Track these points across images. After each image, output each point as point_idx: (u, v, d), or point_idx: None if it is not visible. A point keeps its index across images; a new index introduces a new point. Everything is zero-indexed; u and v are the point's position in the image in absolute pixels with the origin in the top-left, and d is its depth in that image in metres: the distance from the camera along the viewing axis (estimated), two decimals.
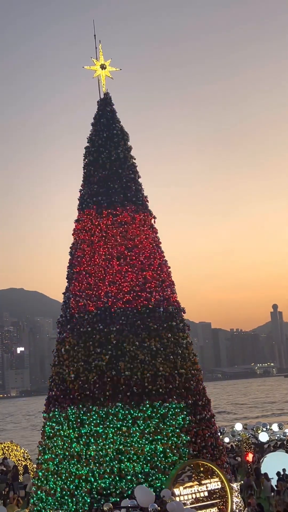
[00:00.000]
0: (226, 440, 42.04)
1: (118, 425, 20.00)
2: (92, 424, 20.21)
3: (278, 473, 28.22)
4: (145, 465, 19.61)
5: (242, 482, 26.43)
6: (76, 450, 20.19)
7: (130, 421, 20.05)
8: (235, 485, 21.38)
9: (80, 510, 19.39)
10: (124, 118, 25.09)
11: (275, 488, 26.33)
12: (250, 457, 35.39)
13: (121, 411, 20.15)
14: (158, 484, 19.28)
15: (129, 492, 18.99)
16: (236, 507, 20.46)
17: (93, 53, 24.98)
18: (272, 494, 26.60)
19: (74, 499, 19.70)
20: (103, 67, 24.88)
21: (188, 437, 20.39)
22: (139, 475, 19.51)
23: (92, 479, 19.57)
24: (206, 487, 19.74)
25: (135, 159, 24.48)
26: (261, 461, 31.86)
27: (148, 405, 20.23)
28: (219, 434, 24.24)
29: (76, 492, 19.75)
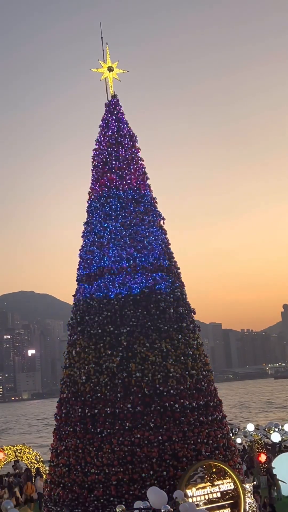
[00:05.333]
0: (238, 441, 41.87)
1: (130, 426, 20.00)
2: (104, 425, 20.22)
3: None
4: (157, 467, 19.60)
5: (255, 482, 26.37)
6: (89, 452, 20.22)
7: (142, 422, 20.04)
8: (248, 486, 21.30)
9: None
10: (127, 117, 25.06)
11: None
12: (262, 457, 35.26)
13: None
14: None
15: (142, 493, 18.97)
16: (249, 508, 20.39)
17: (97, 53, 25.10)
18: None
19: (87, 501, 19.73)
20: (110, 69, 24.93)
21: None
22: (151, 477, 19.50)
23: (105, 481, 19.58)
24: (219, 488, 19.69)
25: (143, 160, 24.53)
26: (273, 461, 31.78)
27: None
28: (231, 435, 24.15)
29: (89, 494, 19.78)
